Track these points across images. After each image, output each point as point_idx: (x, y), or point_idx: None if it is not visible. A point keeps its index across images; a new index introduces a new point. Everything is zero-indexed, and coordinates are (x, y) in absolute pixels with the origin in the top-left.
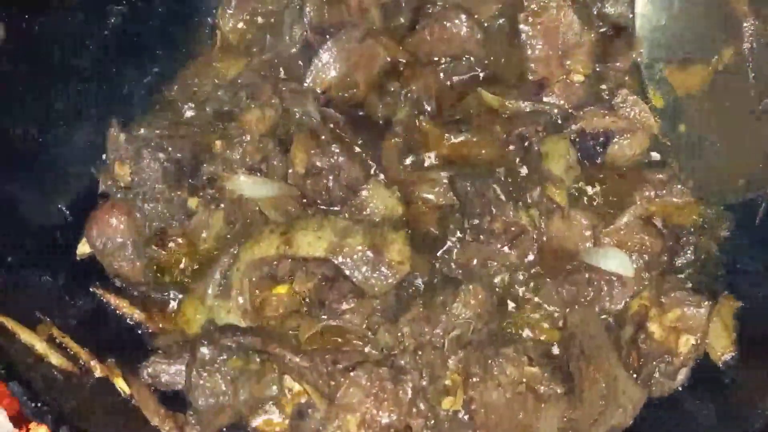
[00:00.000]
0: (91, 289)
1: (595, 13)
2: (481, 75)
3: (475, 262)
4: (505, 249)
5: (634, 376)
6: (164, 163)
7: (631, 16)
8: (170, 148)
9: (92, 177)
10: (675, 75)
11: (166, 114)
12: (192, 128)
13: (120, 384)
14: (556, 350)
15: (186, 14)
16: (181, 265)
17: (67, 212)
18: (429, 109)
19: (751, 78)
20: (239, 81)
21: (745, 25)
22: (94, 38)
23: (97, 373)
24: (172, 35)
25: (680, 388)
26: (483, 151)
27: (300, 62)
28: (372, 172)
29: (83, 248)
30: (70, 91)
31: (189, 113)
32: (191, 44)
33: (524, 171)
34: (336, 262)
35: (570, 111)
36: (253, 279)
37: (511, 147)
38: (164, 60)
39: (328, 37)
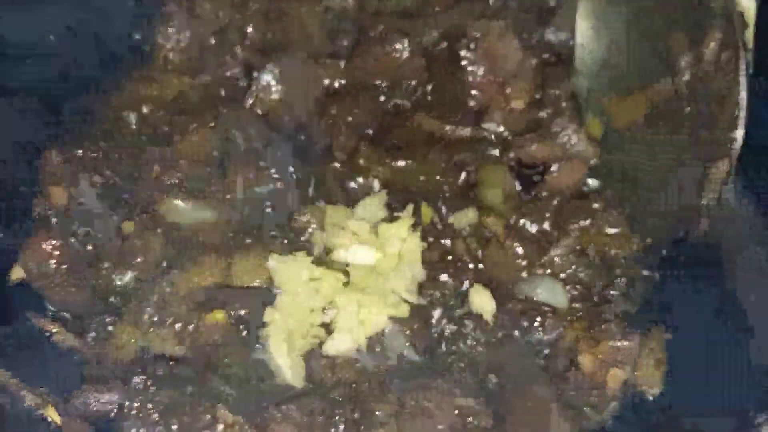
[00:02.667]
0: (24, 315)
1: (536, 40)
2: (422, 100)
3: None
4: (442, 277)
5: (565, 407)
6: (100, 187)
7: (571, 44)
8: (106, 172)
9: (27, 200)
10: (613, 104)
11: (103, 136)
12: (129, 151)
13: (51, 413)
14: (488, 381)
15: (125, 33)
16: (117, 290)
17: (1, 236)
18: (370, 133)
19: (687, 110)
20: (178, 102)
21: (681, 59)
22: (31, 58)
23: (27, 402)
24: (110, 54)
25: (610, 421)
26: (422, 177)
27: (241, 84)
28: (311, 197)
29: (17, 273)
30: (5, 112)
31: (126, 136)
32: (130, 64)
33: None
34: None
35: (509, 138)
36: (190, 306)
37: (450, 174)
38: (102, 80)
39: (270, 58)
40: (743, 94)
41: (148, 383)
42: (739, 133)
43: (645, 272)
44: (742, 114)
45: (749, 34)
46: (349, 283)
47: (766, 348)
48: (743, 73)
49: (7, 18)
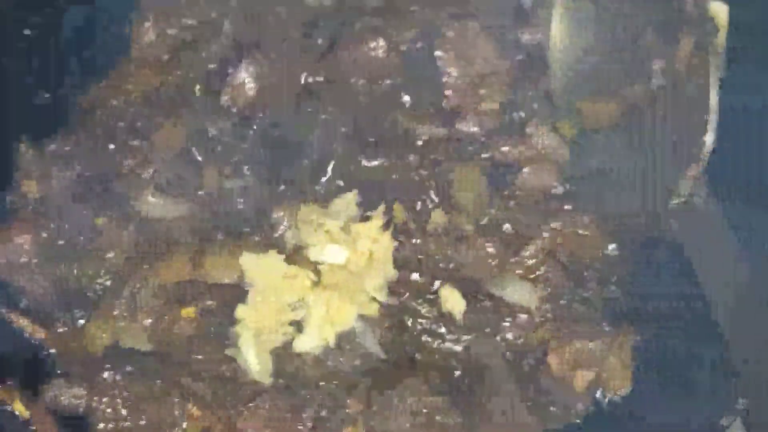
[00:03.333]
0: None
1: (511, 42)
2: (398, 99)
3: None
4: (413, 276)
5: (533, 407)
6: (73, 181)
7: (546, 46)
8: (79, 166)
9: (0, 194)
10: (586, 107)
11: (77, 130)
12: (103, 145)
13: (18, 407)
14: (457, 380)
15: (102, 27)
16: (87, 285)
17: None
18: (344, 130)
19: (659, 114)
20: (153, 97)
21: (654, 62)
22: (7, 50)
23: None
24: (87, 48)
25: (577, 421)
26: (395, 176)
27: (216, 79)
28: (284, 194)
29: None
30: None
31: (101, 129)
32: (106, 57)
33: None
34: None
35: (482, 138)
36: (161, 301)
37: (423, 172)
38: (78, 73)
39: (245, 54)
40: (714, 99)
41: (118, 378)
42: (709, 137)
43: (614, 273)
44: (713, 118)
45: (720, 39)
46: (320, 282)
47: (734, 349)
48: (714, 78)
49: None
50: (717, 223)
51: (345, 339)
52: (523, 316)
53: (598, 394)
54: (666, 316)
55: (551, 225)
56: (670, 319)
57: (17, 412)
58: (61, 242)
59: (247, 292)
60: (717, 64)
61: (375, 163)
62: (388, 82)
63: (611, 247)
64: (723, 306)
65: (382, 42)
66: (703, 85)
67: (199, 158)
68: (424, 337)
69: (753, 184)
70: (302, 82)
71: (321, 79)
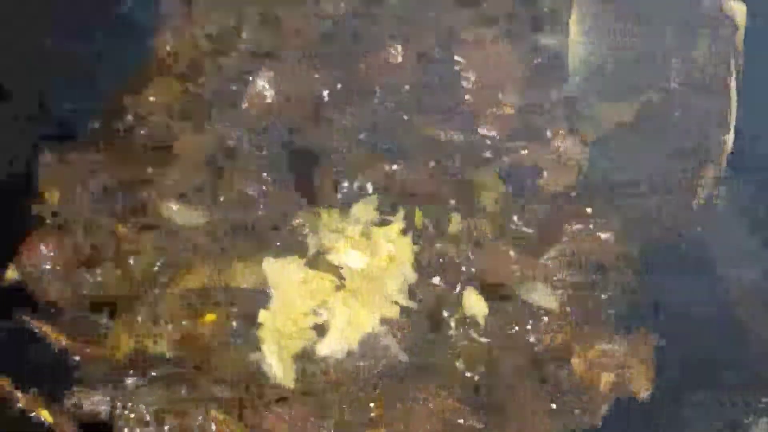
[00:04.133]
0: (18, 316)
1: (529, 46)
2: (416, 105)
3: None
4: (434, 280)
5: (556, 409)
6: (95, 190)
7: (564, 50)
8: (102, 175)
9: (23, 202)
10: (605, 110)
11: (99, 138)
12: (125, 154)
13: (43, 414)
14: (479, 383)
15: (123, 36)
16: (110, 293)
17: None
18: (363, 136)
19: (677, 116)
20: (175, 105)
21: (672, 64)
22: (29, 60)
23: (20, 404)
24: (108, 57)
25: (600, 423)
26: (414, 180)
27: (236, 88)
28: (304, 200)
29: (11, 273)
30: (2, 113)
31: (123, 137)
32: (128, 66)
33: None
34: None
35: (502, 143)
36: (184, 308)
37: (443, 176)
38: (100, 83)
39: (264, 62)
40: (733, 98)
41: (141, 384)
42: (729, 137)
43: (635, 276)
44: (732, 118)
45: (739, 37)
46: (342, 286)
47: (756, 349)
48: (733, 77)
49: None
50: (738, 223)
51: (367, 343)
52: (545, 320)
53: (621, 395)
54: (688, 316)
55: (572, 228)
56: (693, 320)
57: (42, 419)
58: (84, 250)
59: (269, 297)
60: (736, 63)
61: (395, 167)
62: (407, 87)
63: (632, 249)
64: (745, 306)
65: (400, 48)
66: (723, 84)
67: (221, 165)
68: (446, 341)
69: None
70: (321, 88)
71: (340, 85)
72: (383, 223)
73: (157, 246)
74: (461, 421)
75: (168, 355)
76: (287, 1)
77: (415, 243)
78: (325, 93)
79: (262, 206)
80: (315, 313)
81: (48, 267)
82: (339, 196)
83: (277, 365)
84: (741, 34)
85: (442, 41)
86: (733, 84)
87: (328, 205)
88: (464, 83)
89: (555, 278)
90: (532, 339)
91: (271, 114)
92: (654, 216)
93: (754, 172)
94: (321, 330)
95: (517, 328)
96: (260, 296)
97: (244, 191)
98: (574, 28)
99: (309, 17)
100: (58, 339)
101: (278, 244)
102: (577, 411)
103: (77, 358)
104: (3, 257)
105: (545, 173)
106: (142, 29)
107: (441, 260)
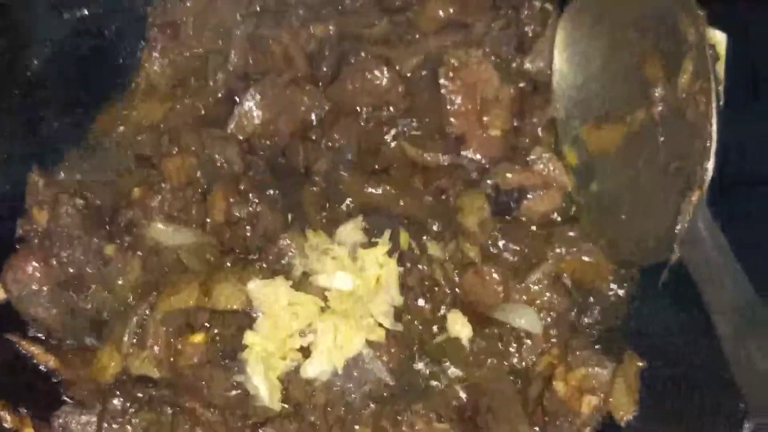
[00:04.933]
0: (5, 336)
1: (514, 69)
2: (402, 126)
3: None
4: (419, 302)
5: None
6: (82, 210)
7: (549, 73)
8: (89, 195)
9: (9, 222)
10: (590, 133)
11: (86, 158)
12: (111, 174)
13: None
14: (465, 406)
15: (110, 56)
16: (97, 312)
17: None
18: (350, 158)
19: (661, 141)
20: (161, 126)
21: (656, 89)
22: (16, 80)
23: (7, 424)
24: (96, 77)
25: None
26: (401, 203)
27: (223, 108)
28: (291, 221)
29: None
30: None
31: (109, 158)
32: (115, 86)
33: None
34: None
35: (486, 165)
36: (170, 329)
37: (428, 199)
38: (87, 102)
39: (251, 83)
40: (714, 126)
41: (127, 405)
42: (710, 164)
43: (619, 299)
44: (713, 145)
45: (720, 67)
46: (327, 308)
47: (740, 372)
48: (714, 105)
49: None
50: (720, 247)
51: (353, 365)
52: (529, 342)
53: (604, 419)
54: (671, 341)
55: (556, 251)
56: (676, 344)
57: None
58: (70, 270)
59: (255, 318)
60: (717, 91)
61: (380, 190)
62: (392, 109)
63: (616, 272)
64: (729, 330)
65: (386, 70)
66: (704, 112)
67: (206, 186)
68: (431, 363)
69: (757, 208)
70: (307, 109)
71: (326, 107)
72: (369, 244)
73: (143, 266)
74: None
75: (154, 376)
76: (275, 23)
77: (400, 265)
78: (313, 115)
79: (248, 227)
80: (301, 334)
81: (35, 287)
82: (325, 217)
83: (263, 386)
84: (722, 63)
85: (428, 64)
86: (714, 111)
87: (315, 227)
88: (449, 106)
89: (539, 301)
90: (515, 361)
91: (257, 135)
92: (637, 239)
93: (737, 197)
94: (307, 352)
95: (501, 350)
96: (246, 318)
97: (230, 212)
98: (558, 51)
99: (297, 39)
100: (45, 359)
101: (264, 265)
102: None
103: (64, 378)
104: None
105: (530, 196)
106: (130, 48)
107: (426, 283)
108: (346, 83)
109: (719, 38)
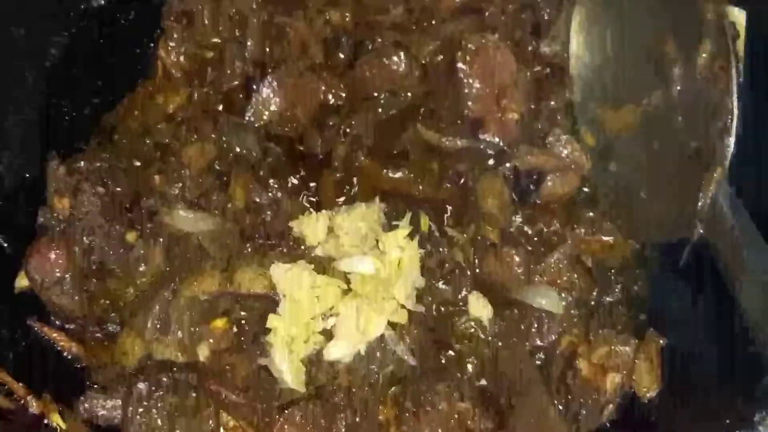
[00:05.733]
0: (28, 323)
1: (531, 53)
2: (420, 112)
3: None
4: (441, 284)
5: (563, 411)
6: (103, 197)
7: (565, 56)
8: (110, 182)
9: (31, 210)
10: (607, 115)
11: (106, 147)
12: (132, 162)
13: (56, 420)
14: (487, 386)
15: (128, 45)
16: (121, 299)
17: (6, 245)
18: (367, 144)
19: (680, 121)
20: (180, 114)
21: (674, 69)
22: (34, 69)
23: (33, 409)
24: (113, 66)
25: (607, 424)
26: (420, 188)
27: (241, 96)
28: (310, 206)
29: (22, 282)
30: (9, 123)
31: (129, 146)
32: (133, 75)
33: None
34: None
35: (504, 149)
36: (193, 314)
37: (447, 184)
38: (106, 91)
39: (269, 71)
40: (735, 103)
41: (152, 390)
42: (731, 141)
43: (640, 278)
44: (734, 123)
45: (740, 44)
46: (350, 291)
47: (762, 349)
48: (735, 83)
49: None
50: (742, 225)
51: (376, 347)
52: (550, 322)
53: (627, 396)
54: (693, 318)
55: (575, 232)
56: (698, 321)
57: (54, 424)
58: (92, 257)
59: (278, 302)
60: (737, 69)
61: (399, 174)
62: (410, 94)
63: (636, 251)
64: (752, 306)
65: (403, 56)
66: (724, 90)
67: (228, 172)
68: (453, 344)
69: None
70: (325, 96)
71: (344, 93)
72: (390, 228)
73: (165, 253)
74: (470, 423)
75: (178, 360)
76: (291, 10)
77: (421, 248)
78: (330, 101)
79: (269, 212)
80: (324, 317)
81: (57, 274)
82: (345, 202)
83: (287, 370)
84: (742, 41)
85: (445, 49)
86: (735, 89)
87: (335, 211)
88: (467, 90)
89: (559, 282)
90: (537, 341)
91: (276, 121)
92: (657, 219)
93: (757, 174)
94: (329, 335)
95: (522, 331)
96: (269, 302)
97: (251, 198)
98: (575, 34)
99: (313, 26)
100: (68, 346)
101: (285, 250)
102: (583, 412)
103: (88, 364)
104: (15, 265)
105: (549, 178)
106: (147, 38)
107: (447, 265)
108: (363, 70)
109: (738, 16)
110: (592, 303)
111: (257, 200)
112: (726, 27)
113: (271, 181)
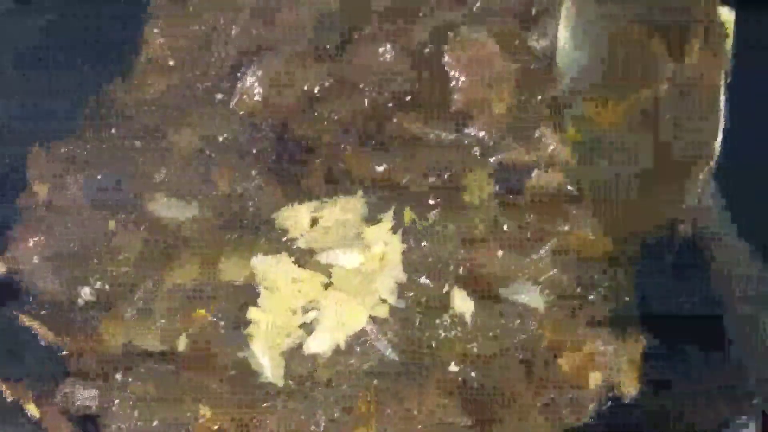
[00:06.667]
0: (7, 309)
1: (518, 46)
2: (407, 102)
3: None
4: (423, 279)
5: (544, 408)
6: (85, 183)
7: (552, 51)
8: (91, 169)
9: (11, 195)
10: (594, 110)
11: (89, 132)
12: (114, 148)
13: (30, 408)
14: (468, 382)
15: (113, 29)
16: (100, 286)
17: None
18: (353, 133)
19: (667, 119)
20: (164, 100)
21: (662, 67)
22: (17, 53)
23: (7, 396)
24: (98, 50)
25: (589, 422)
26: (404, 179)
27: (226, 83)
28: (294, 196)
29: (0, 267)
30: None
31: (112, 132)
32: (118, 60)
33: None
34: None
35: (490, 142)
36: (173, 303)
37: (432, 177)
38: (89, 76)
39: (254, 58)
40: (722, 104)
41: (130, 379)
42: (718, 141)
43: (623, 275)
44: (721, 122)
45: (728, 44)
46: (331, 284)
47: (745, 349)
48: (723, 82)
49: None
50: (726, 224)
51: (356, 341)
52: (533, 319)
53: (608, 395)
54: (677, 317)
55: (560, 228)
56: (682, 320)
57: (29, 413)
58: (73, 244)
59: (258, 293)
60: (725, 68)
61: (384, 166)
62: (396, 85)
63: (620, 248)
64: (736, 306)
65: (391, 46)
66: (712, 89)
67: (211, 160)
68: (434, 339)
69: (763, 185)
70: (311, 84)
71: (330, 82)
72: (373, 221)
73: (146, 241)
74: (451, 419)
75: (157, 349)
76: None
77: (404, 242)
78: (316, 89)
79: (251, 202)
80: (304, 310)
81: (37, 261)
82: (328, 193)
83: (266, 362)
84: (730, 41)
85: (433, 40)
86: (722, 89)
87: (318, 202)
88: (454, 82)
89: (543, 278)
90: (520, 337)
91: (261, 109)
92: (643, 216)
93: (743, 172)
94: (310, 328)
95: (505, 326)
96: (250, 292)
97: (233, 186)
98: (562, 29)
99: (299, 14)
100: (46, 333)
101: (267, 240)
102: (565, 410)
103: (67, 352)
104: None
105: (534, 173)
106: (132, 23)
107: (430, 259)
108: (352, 58)
109: (727, 16)
110: (575, 300)
111: (240, 189)
112: (715, 26)
113: (254, 170)
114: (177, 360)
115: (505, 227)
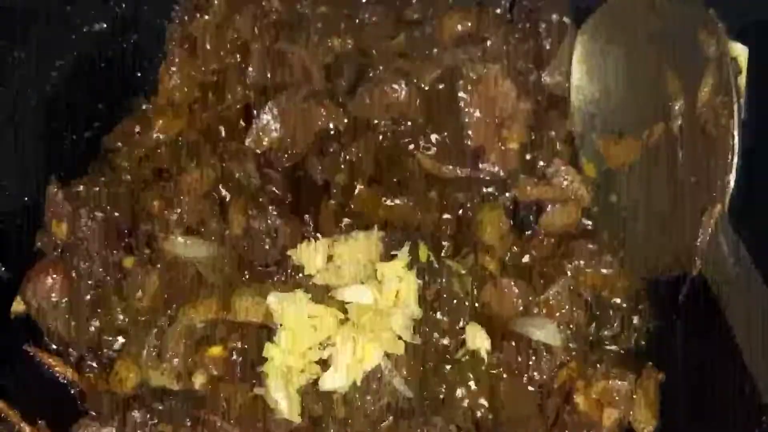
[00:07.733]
0: (24, 348)
1: (532, 83)
2: (421, 140)
3: None
4: (438, 315)
5: None
6: (101, 223)
7: (566, 86)
8: (108, 208)
9: (29, 235)
10: (608, 147)
11: (105, 171)
12: (130, 187)
13: None
14: (484, 419)
15: (129, 70)
16: (117, 325)
17: (3, 269)
18: (367, 171)
19: (680, 155)
20: (179, 139)
21: (675, 104)
22: (35, 92)
23: None
24: (114, 90)
25: None
26: (419, 216)
27: (241, 122)
28: (309, 234)
29: (18, 306)
30: (8, 146)
31: (128, 171)
32: (133, 100)
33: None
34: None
35: (504, 179)
36: (189, 342)
37: (447, 214)
38: (105, 116)
39: (269, 98)
40: (736, 140)
41: (147, 417)
42: (731, 178)
43: (639, 312)
44: (735, 158)
45: (741, 80)
46: (347, 320)
47: (762, 388)
48: (736, 119)
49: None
50: (742, 261)
51: (372, 378)
52: (548, 355)
53: None
54: (692, 353)
55: (575, 264)
56: (697, 357)
57: None
58: (89, 283)
59: (275, 331)
60: (739, 105)
61: (398, 203)
62: (410, 123)
63: (635, 286)
64: (751, 343)
65: (404, 84)
66: (725, 125)
67: (226, 199)
68: (450, 376)
69: None
70: (326, 123)
71: (344, 120)
72: (388, 258)
73: (162, 279)
74: None
75: (173, 388)
76: (292, 36)
77: (419, 278)
78: (330, 128)
79: (267, 240)
80: (320, 347)
81: (54, 299)
82: (343, 231)
83: (282, 399)
84: (743, 76)
85: (446, 77)
86: (736, 124)
87: (333, 239)
88: (467, 119)
89: (558, 314)
90: (535, 375)
91: (276, 148)
92: (657, 252)
93: (758, 211)
94: (326, 365)
95: (520, 363)
96: (266, 330)
97: (249, 225)
98: (576, 65)
99: (315, 52)
100: (63, 371)
101: (283, 278)
102: None
103: (82, 390)
104: (12, 290)
105: (549, 209)
106: (148, 63)
107: (445, 296)
108: (364, 97)
109: (740, 51)
110: (591, 336)
111: (256, 227)
112: (728, 62)
113: (270, 208)
114: (193, 398)
115: (520, 263)
